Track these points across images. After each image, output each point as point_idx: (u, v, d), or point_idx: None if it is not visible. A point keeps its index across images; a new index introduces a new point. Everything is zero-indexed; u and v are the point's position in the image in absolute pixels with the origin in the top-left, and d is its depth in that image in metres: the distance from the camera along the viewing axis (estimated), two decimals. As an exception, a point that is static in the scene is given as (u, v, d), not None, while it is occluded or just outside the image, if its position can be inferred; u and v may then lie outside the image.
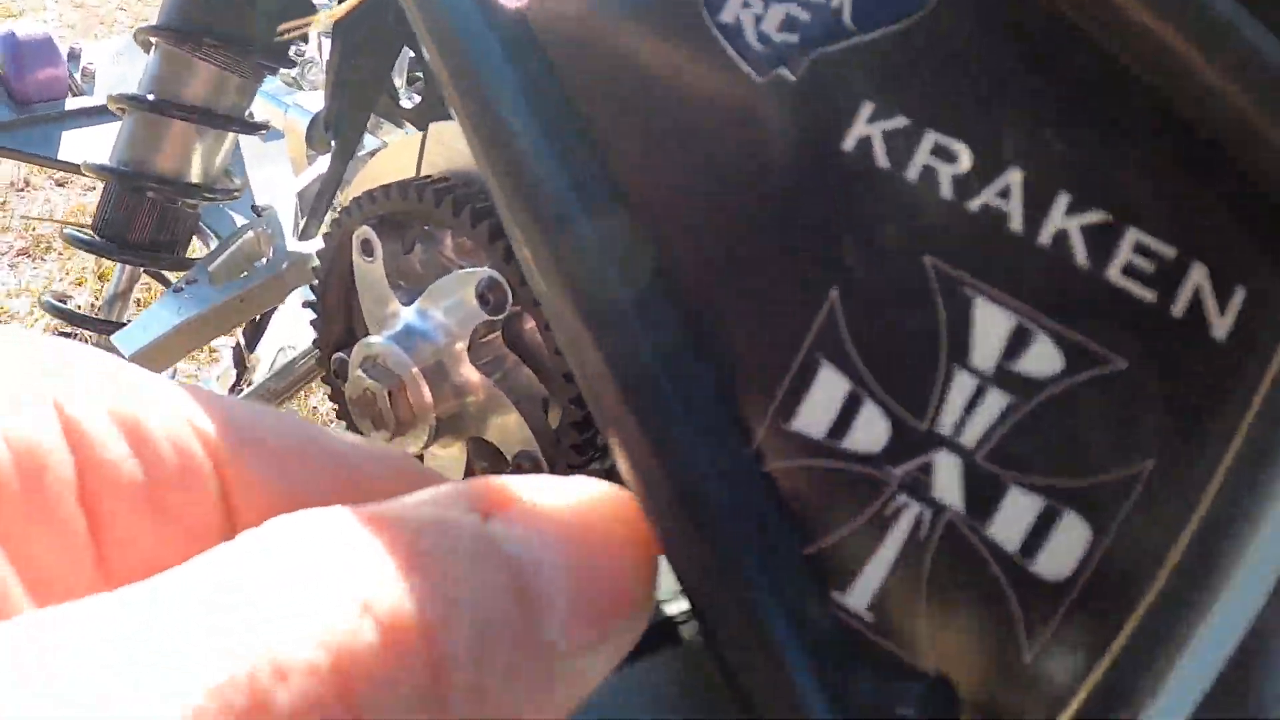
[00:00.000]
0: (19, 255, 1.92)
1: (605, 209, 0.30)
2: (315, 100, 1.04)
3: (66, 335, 1.01)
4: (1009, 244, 0.25)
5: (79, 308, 1.07)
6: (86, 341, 0.96)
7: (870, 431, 0.27)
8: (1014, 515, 0.25)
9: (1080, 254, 0.25)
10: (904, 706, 0.26)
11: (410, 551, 0.21)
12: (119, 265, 0.98)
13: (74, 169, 1.16)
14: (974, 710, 0.26)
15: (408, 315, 0.61)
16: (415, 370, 0.58)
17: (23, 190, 2.08)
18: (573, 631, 0.23)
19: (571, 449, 0.56)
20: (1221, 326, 0.24)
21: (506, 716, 0.21)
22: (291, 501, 0.25)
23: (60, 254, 1.92)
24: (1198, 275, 0.24)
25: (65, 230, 0.93)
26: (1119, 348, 0.25)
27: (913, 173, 0.27)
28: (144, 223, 0.88)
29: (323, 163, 0.94)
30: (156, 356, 0.76)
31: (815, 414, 0.27)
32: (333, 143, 0.83)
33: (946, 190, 0.26)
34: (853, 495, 0.27)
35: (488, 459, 0.63)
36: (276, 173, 1.10)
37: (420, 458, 0.65)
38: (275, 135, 1.06)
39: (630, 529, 0.26)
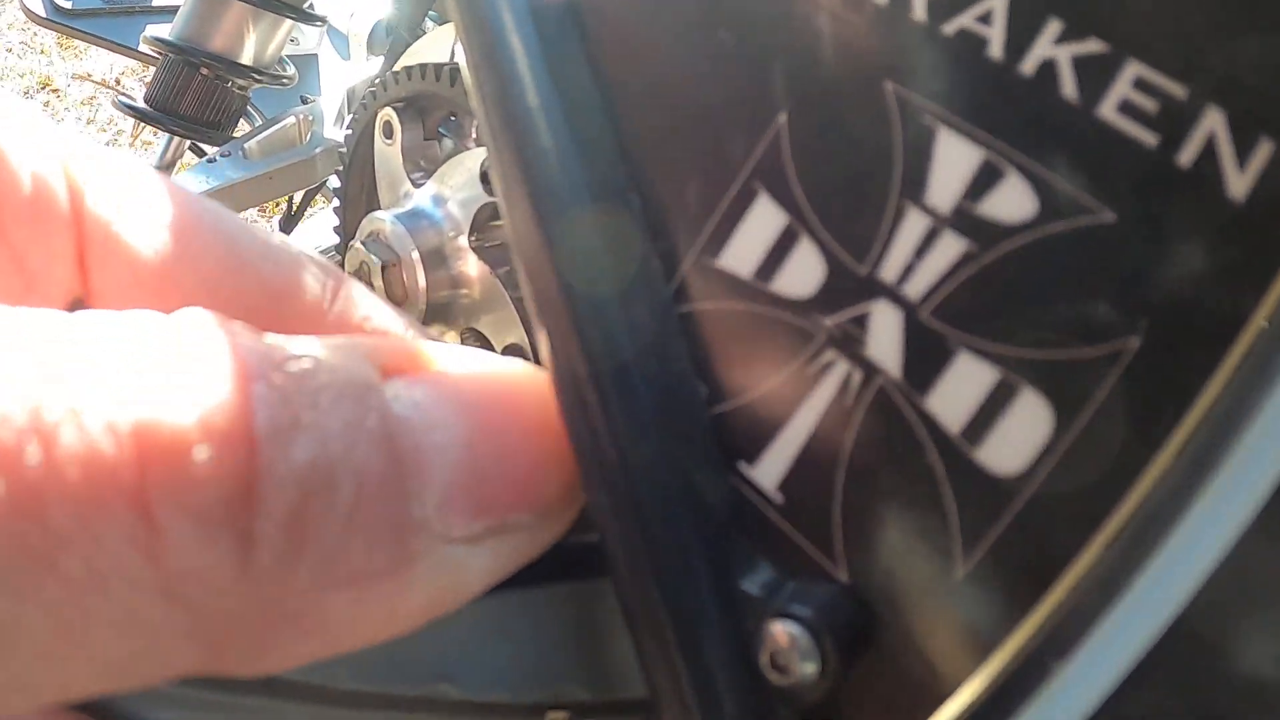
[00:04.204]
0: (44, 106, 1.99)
1: (554, 39, 0.26)
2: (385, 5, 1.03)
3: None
4: (985, 72, 0.21)
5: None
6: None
7: (803, 273, 0.22)
8: (960, 387, 0.20)
9: (1069, 86, 0.20)
10: (801, 606, 0.21)
11: (277, 375, 0.18)
12: (166, 137, 0.97)
13: (150, 59, 1.16)
14: (890, 632, 0.21)
15: (418, 197, 0.58)
16: (414, 251, 0.55)
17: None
18: (452, 513, 0.19)
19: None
20: (1240, 185, 0.19)
21: (336, 584, 0.18)
22: (156, 282, 0.23)
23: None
24: (1212, 121, 0.19)
25: (118, 98, 0.92)
26: (1107, 197, 0.20)
27: (881, -2, 0.22)
28: (193, 98, 0.87)
29: (377, 63, 0.92)
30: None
31: (746, 250, 0.23)
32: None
33: (920, 12, 0.21)
34: (775, 347, 0.22)
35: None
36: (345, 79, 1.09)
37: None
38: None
39: (558, 424, 0.23)
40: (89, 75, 1.96)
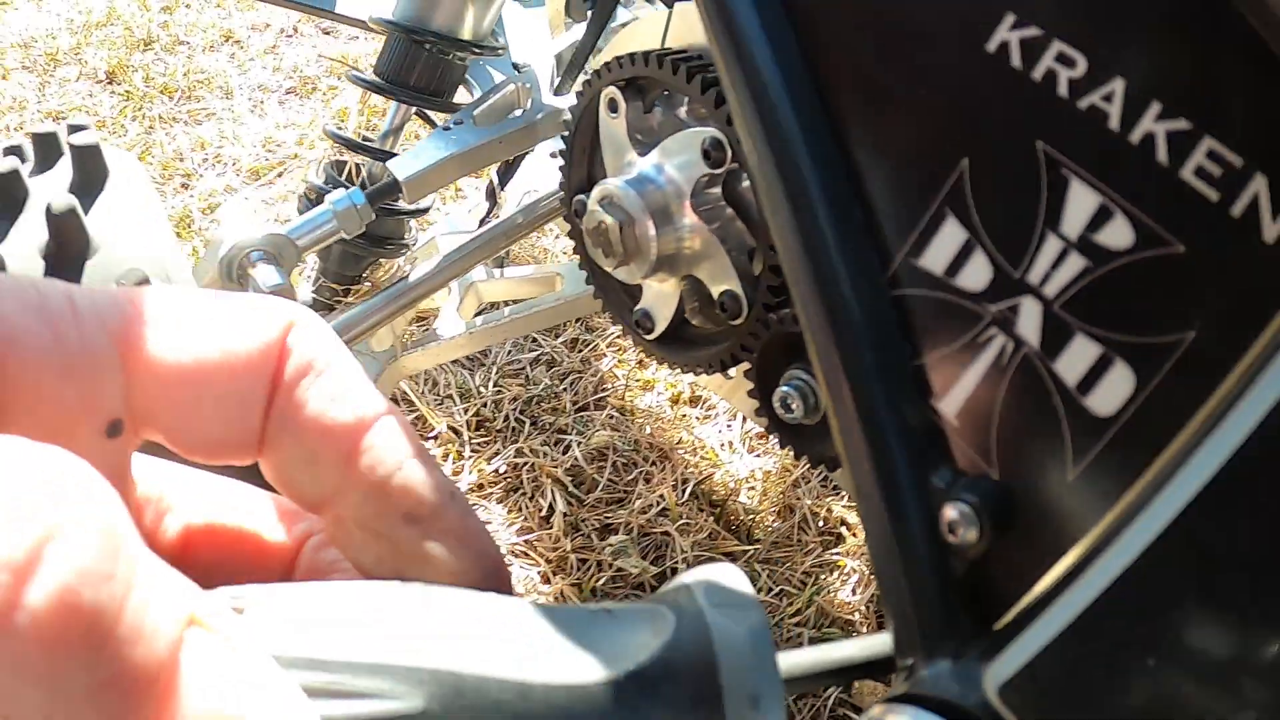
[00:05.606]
0: (287, 94, 2.10)
1: (805, 95, 0.37)
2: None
3: (343, 162, 1.13)
4: (1106, 138, 0.31)
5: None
6: (359, 167, 1.08)
7: (977, 274, 0.33)
8: (1077, 357, 0.32)
9: (1162, 153, 0.31)
10: (969, 494, 0.33)
11: None
12: (394, 104, 1.10)
13: (350, 21, 1.28)
14: (1027, 515, 0.33)
15: (642, 164, 0.70)
16: (644, 210, 0.67)
17: (291, 37, 2.26)
18: None
19: (769, 289, 0.64)
20: (1273, 231, 0.29)
21: None
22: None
23: (323, 95, 2.08)
24: (1258, 184, 0.29)
25: (350, 73, 1.05)
26: (1181, 234, 0.30)
27: (1038, 73, 0.33)
28: (420, 71, 1.00)
29: (578, 29, 1.03)
30: (426, 181, 0.88)
31: (938, 255, 0.34)
32: (589, 12, 0.92)
33: (1063, 90, 0.32)
34: (956, 323, 0.34)
35: (698, 296, 0.72)
36: (534, 34, 1.20)
37: (639, 287, 0.74)
38: (536, 1, 1.16)
39: None
40: (332, 58, 2.07)
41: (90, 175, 0.71)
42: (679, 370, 0.76)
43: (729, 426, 1.38)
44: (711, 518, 1.27)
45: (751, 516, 1.28)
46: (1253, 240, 0.29)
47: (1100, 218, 0.32)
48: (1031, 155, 0.33)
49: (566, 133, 0.79)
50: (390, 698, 0.23)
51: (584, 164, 0.78)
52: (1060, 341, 0.32)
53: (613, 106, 0.73)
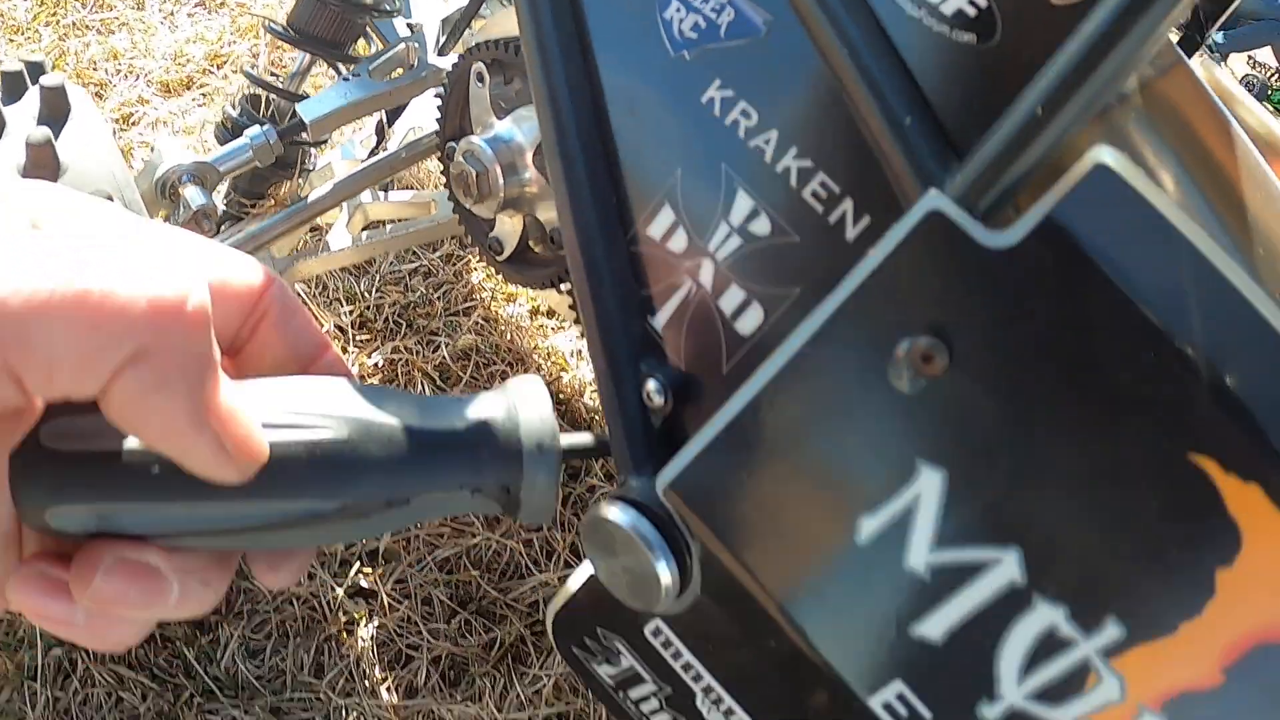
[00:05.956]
0: (196, 7, 2.20)
1: (586, 114, 0.58)
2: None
3: (257, 96, 1.30)
4: (762, 167, 0.52)
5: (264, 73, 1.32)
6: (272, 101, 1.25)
7: (680, 241, 0.54)
8: (731, 298, 0.53)
9: (794, 180, 0.51)
10: (662, 376, 0.54)
11: None
12: (301, 53, 1.28)
13: None
14: (697, 391, 0.54)
15: (499, 127, 0.89)
16: (495, 163, 0.87)
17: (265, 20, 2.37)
18: None
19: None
20: (852, 234, 0.50)
21: None
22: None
23: (231, 10, 2.19)
24: (846, 204, 0.50)
25: (267, 23, 1.22)
26: (799, 231, 0.51)
27: (728, 120, 0.53)
28: (324, 25, 1.18)
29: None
30: (327, 123, 1.07)
31: (658, 227, 0.55)
32: (474, -22, 1.10)
33: (741, 133, 0.53)
34: (666, 271, 0.55)
35: (538, 231, 0.93)
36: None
37: (493, 220, 0.94)
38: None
39: None
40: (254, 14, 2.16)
41: (56, 109, 0.88)
42: (521, 286, 0.97)
43: (580, 337, 1.59)
44: (557, 415, 1.49)
45: (591, 415, 1.50)
46: (840, 239, 0.50)
47: (752, 215, 0.52)
48: (718, 172, 0.53)
49: (444, 91, 0.98)
50: (327, 430, 0.41)
51: (456, 118, 0.98)
52: (723, 287, 0.53)
53: (480, 78, 0.92)
